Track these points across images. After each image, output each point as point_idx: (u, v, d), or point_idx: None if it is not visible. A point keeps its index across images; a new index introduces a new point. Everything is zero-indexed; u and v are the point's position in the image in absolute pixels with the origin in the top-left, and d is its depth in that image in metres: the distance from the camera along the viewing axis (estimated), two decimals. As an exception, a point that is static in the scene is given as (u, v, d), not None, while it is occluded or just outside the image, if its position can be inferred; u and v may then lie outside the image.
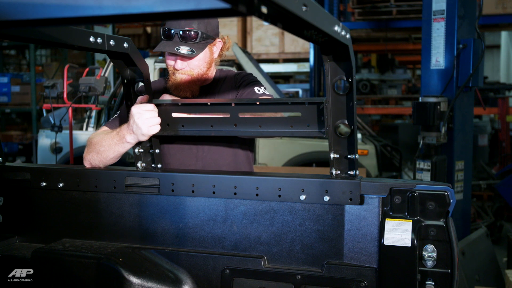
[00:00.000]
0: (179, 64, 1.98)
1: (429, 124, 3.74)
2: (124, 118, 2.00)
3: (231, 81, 2.15)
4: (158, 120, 1.85)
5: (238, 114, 1.77)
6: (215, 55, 2.07)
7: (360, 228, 1.65)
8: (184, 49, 1.92)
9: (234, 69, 2.24)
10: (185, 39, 1.92)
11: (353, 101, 1.57)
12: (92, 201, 1.91)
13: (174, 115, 1.87)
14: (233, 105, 1.75)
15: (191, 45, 1.93)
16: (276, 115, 1.79)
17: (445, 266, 1.58)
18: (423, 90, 4.08)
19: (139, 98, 1.87)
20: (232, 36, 8.65)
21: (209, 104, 1.80)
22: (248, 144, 2.16)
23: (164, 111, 1.86)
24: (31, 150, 8.74)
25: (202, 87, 2.10)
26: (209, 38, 1.99)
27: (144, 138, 1.86)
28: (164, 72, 6.09)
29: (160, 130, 1.87)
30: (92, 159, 1.97)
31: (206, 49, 2.00)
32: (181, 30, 1.91)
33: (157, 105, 1.86)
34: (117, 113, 2.13)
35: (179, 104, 1.85)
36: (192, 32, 1.92)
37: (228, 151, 2.09)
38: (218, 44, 2.06)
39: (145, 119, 1.81)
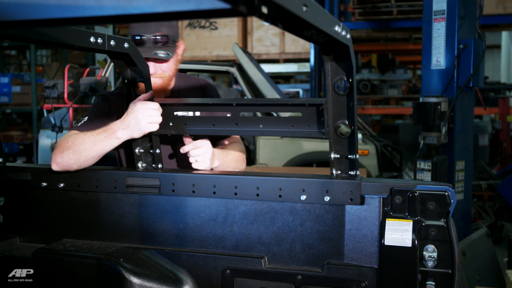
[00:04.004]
0: (153, 68, 1.99)
1: (430, 124, 3.74)
2: (99, 122, 1.97)
3: (197, 89, 2.21)
4: (160, 119, 1.84)
5: (239, 114, 1.78)
6: (179, 57, 2.11)
7: (361, 228, 1.65)
8: (160, 53, 1.95)
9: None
10: (158, 43, 1.96)
11: (354, 101, 1.57)
12: (92, 201, 1.91)
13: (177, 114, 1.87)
14: (234, 105, 1.76)
15: (165, 48, 1.97)
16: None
17: (446, 266, 1.58)
18: (423, 90, 4.08)
19: (142, 96, 1.87)
20: (232, 36, 8.65)
21: (210, 103, 1.80)
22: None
23: (166, 110, 1.86)
24: (31, 150, 8.73)
25: (172, 90, 2.14)
26: (176, 41, 2.04)
27: (138, 135, 1.83)
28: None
29: (163, 129, 1.88)
30: (65, 159, 1.86)
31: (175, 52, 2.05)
32: (153, 36, 1.95)
33: (160, 105, 1.86)
34: (84, 118, 2.05)
35: (182, 103, 1.85)
36: (165, 37, 1.97)
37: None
38: (181, 46, 2.10)
39: (147, 116, 1.80)
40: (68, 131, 1.99)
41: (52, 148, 5.75)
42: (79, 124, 2.01)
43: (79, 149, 1.84)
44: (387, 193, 1.63)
